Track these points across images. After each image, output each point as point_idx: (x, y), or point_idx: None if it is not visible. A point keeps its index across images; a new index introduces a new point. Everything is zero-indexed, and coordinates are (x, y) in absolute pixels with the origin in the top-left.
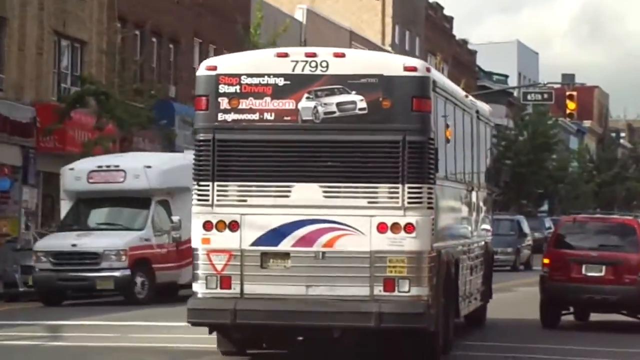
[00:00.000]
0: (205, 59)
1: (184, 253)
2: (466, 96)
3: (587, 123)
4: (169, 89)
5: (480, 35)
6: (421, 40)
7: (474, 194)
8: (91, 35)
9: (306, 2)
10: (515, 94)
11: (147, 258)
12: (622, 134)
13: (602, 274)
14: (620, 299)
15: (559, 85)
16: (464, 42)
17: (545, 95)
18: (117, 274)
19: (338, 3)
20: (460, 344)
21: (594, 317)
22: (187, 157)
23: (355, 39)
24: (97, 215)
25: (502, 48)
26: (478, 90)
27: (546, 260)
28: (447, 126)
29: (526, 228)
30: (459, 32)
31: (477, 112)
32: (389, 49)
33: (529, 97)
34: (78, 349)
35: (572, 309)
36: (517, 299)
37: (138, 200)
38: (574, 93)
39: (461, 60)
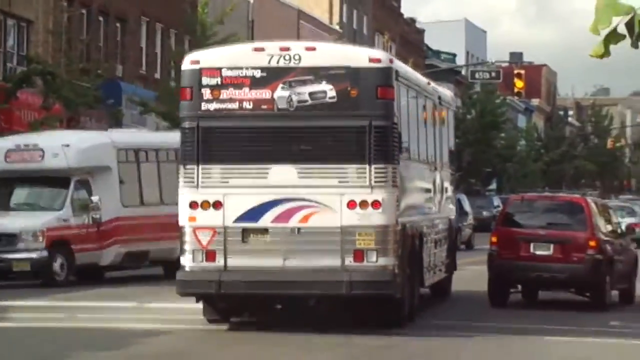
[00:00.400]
0: (152, 38)
1: (104, 234)
2: (428, 83)
3: (535, 101)
4: (116, 68)
5: (428, 13)
6: (369, 19)
7: (437, 173)
8: (37, 14)
9: None
10: (463, 72)
11: (65, 239)
12: (570, 112)
13: (550, 252)
14: (568, 277)
15: (506, 64)
16: (412, 21)
17: (493, 74)
18: (34, 255)
19: None
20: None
21: (543, 295)
22: (110, 136)
23: (303, 18)
24: (16, 196)
25: (450, 26)
26: (426, 69)
27: (494, 239)
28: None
29: (467, 207)
30: (407, 10)
31: (440, 97)
32: (337, 27)
33: (476, 75)
34: (27, 330)
35: (520, 287)
36: (467, 276)
37: (57, 179)
38: (522, 71)
39: (409, 39)
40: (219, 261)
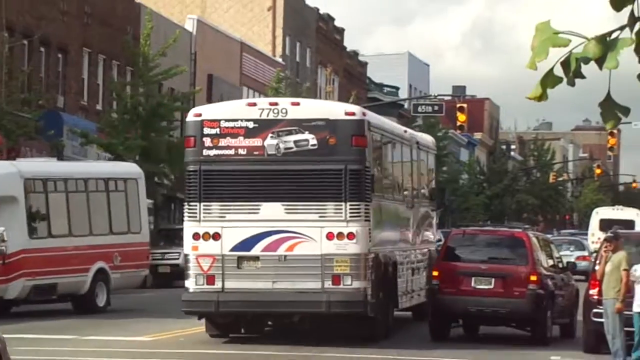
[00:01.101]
0: (94, 69)
1: (10, 266)
2: (405, 131)
3: (477, 135)
4: (57, 99)
5: (371, 47)
6: (312, 52)
7: (414, 210)
8: None
9: (196, 13)
10: (406, 106)
11: None
12: (513, 146)
13: (492, 286)
14: (509, 312)
15: (449, 98)
16: (355, 54)
17: (436, 107)
18: None
19: (228, 13)
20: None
21: (484, 329)
22: (17, 166)
23: (246, 50)
24: None
25: (393, 60)
26: (369, 102)
27: (435, 273)
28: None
29: None
30: (350, 43)
31: (417, 143)
32: (280, 60)
33: (419, 109)
34: None
35: (461, 322)
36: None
37: None
38: (464, 105)
39: (352, 72)
40: (218, 284)
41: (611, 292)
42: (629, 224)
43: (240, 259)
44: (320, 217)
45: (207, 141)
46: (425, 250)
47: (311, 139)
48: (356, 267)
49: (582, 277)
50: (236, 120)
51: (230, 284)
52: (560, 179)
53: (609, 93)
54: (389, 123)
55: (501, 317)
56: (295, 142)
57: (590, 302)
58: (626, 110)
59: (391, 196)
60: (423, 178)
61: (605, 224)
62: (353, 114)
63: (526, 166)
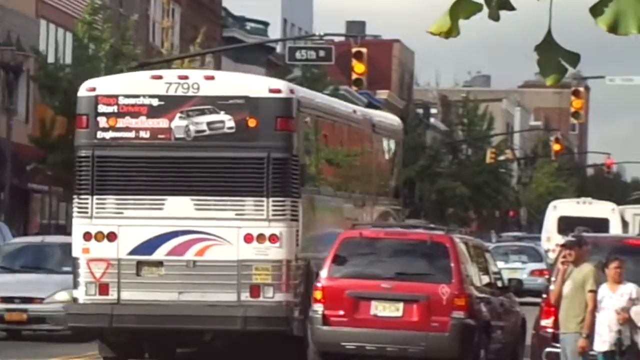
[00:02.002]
0: None
1: None
2: (354, 111)
3: (382, 94)
4: None
5: None
6: None
7: (366, 208)
8: None
9: None
10: (278, 49)
11: None
12: (434, 110)
13: (400, 314)
14: (425, 351)
15: (341, 39)
16: None
17: (322, 53)
18: None
19: None
20: None
21: None
22: None
23: None
24: None
25: None
26: (225, 44)
27: (317, 294)
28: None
29: None
30: None
31: (374, 125)
32: None
33: (298, 54)
34: None
35: None
36: None
37: None
38: (363, 50)
39: (201, 2)
40: (112, 294)
41: (572, 324)
42: (601, 223)
43: (140, 265)
44: (238, 215)
45: (102, 121)
46: None
47: (227, 121)
48: (279, 276)
49: (538, 300)
50: (137, 96)
51: (127, 295)
52: (502, 158)
53: (549, 33)
54: (329, 101)
55: (413, 359)
56: (208, 124)
57: (542, 337)
58: (573, 58)
59: (330, 191)
60: (381, 169)
61: (566, 224)
62: (278, 91)
63: (452, 139)
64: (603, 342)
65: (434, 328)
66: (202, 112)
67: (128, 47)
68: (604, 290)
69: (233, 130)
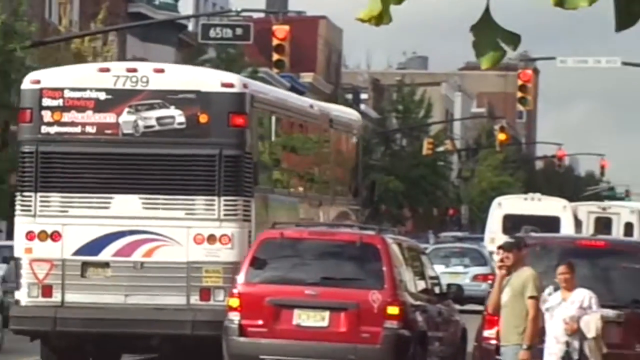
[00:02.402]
0: None
1: None
2: (311, 106)
3: (307, 77)
4: None
5: None
6: None
7: (323, 208)
8: None
9: None
10: (190, 27)
11: None
12: (364, 96)
13: (326, 324)
14: None
15: (261, 15)
16: None
17: (239, 31)
18: None
19: None
20: None
21: None
22: None
23: None
24: None
25: None
26: (130, 21)
27: (234, 302)
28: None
29: None
30: None
31: (331, 120)
32: None
33: (212, 33)
34: None
35: None
36: None
37: None
38: (286, 28)
39: None
40: (56, 297)
41: (512, 335)
42: (551, 222)
43: (85, 266)
44: (188, 214)
45: (47, 115)
46: None
47: (178, 116)
48: (231, 279)
49: (481, 308)
50: (84, 89)
51: (72, 297)
52: (441, 149)
53: (487, 11)
54: (285, 96)
55: None
56: (157, 119)
57: (484, 349)
58: (513, 39)
59: (286, 191)
60: (340, 167)
61: (513, 223)
62: (231, 85)
63: (385, 128)
64: (550, 354)
65: (364, 339)
66: (152, 107)
67: (21, 24)
68: (557, 297)
69: (183, 126)
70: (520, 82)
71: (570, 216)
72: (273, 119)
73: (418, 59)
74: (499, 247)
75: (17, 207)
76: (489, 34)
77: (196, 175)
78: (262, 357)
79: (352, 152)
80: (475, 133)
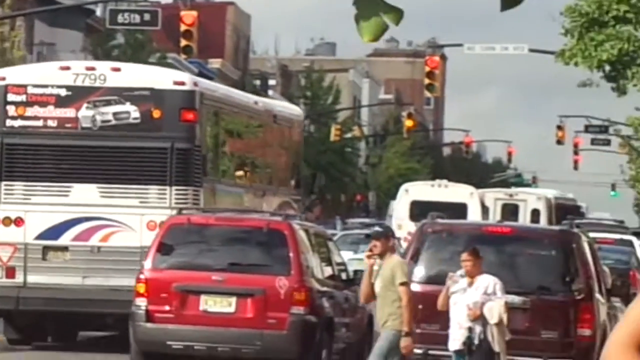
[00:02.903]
0: None
1: None
2: (256, 102)
3: (215, 62)
4: None
5: None
6: None
7: (266, 198)
8: None
9: None
10: (98, 12)
11: None
12: (272, 82)
13: (233, 310)
14: (261, 352)
15: (169, 0)
16: None
17: (147, 16)
18: None
19: None
20: None
21: None
22: None
23: None
24: None
25: None
26: (38, 6)
27: (140, 288)
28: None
29: None
30: None
31: (275, 116)
32: None
33: (120, 18)
34: None
35: None
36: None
37: None
38: (193, 13)
39: None
40: (19, 278)
41: (389, 322)
42: (458, 209)
43: (46, 249)
44: (141, 202)
45: (11, 110)
46: None
47: (133, 111)
48: None
49: None
50: (46, 86)
51: (33, 278)
52: (349, 135)
53: None
54: (232, 93)
55: None
56: (114, 114)
57: None
58: (396, 14)
59: (232, 181)
60: (282, 160)
61: (420, 210)
62: (182, 83)
63: None
64: (454, 340)
65: (270, 325)
66: (109, 103)
67: None
68: (462, 283)
69: (138, 121)
70: (427, 69)
71: (477, 203)
72: (220, 114)
73: (326, 45)
74: (366, 236)
75: None
76: (370, 7)
77: (150, 167)
78: (169, 342)
79: (294, 145)
80: (383, 119)
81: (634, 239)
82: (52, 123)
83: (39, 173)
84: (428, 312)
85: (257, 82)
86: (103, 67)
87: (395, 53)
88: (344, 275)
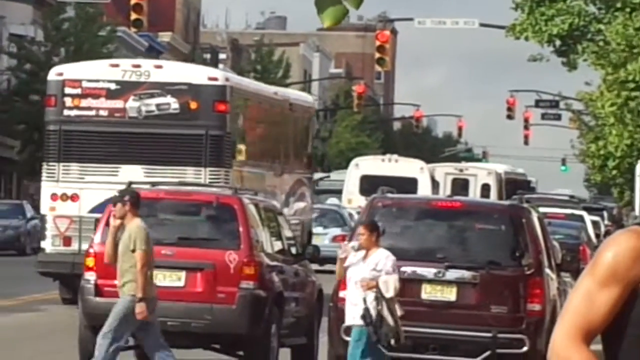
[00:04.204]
0: None
1: None
2: (275, 93)
3: (165, 36)
4: None
5: None
6: None
7: (283, 177)
8: None
9: None
10: None
11: None
12: (222, 56)
13: (182, 284)
14: (210, 326)
15: None
16: None
17: None
18: None
19: None
20: None
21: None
22: None
23: None
24: None
25: None
26: None
27: (89, 262)
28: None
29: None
30: None
31: (291, 104)
32: None
33: None
34: None
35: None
36: (49, 326)
37: None
38: None
39: None
40: (74, 246)
41: (126, 286)
42: (409, 183)
43: (97, 221)
44: (180, 181)
45: (68, 101)
46: (297, 221)
47: (173, 103)
48: None
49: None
50: (98, 80)
51: (86, 246)
52: None
53: None
54: (256, 86)
55: (196, 335)
56: (157, 105)
57: (340, 310)
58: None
59: (255, 162)
60: (297, 143)
61: (370, 184)
62: (216, 79)
63: None
64: (350, 316)
65: (220, 300)
66: (152, 96)
67: None
68: (358, 256)
69: (177, 111)
70: (378, 43)
71: (427, 177)
72: (247, 105)
73: (276, 19)
74: (109, 201)
75: (44, 175)
76: None
77: (187, 150)
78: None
79: (306, 129)
80: (333, 94)
81: (584, 213)
82: (103, 113)
83: (91, 155)
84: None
85: (207, 56)
86: (147, 64)
87: (346, 27)
88: (293, 250)
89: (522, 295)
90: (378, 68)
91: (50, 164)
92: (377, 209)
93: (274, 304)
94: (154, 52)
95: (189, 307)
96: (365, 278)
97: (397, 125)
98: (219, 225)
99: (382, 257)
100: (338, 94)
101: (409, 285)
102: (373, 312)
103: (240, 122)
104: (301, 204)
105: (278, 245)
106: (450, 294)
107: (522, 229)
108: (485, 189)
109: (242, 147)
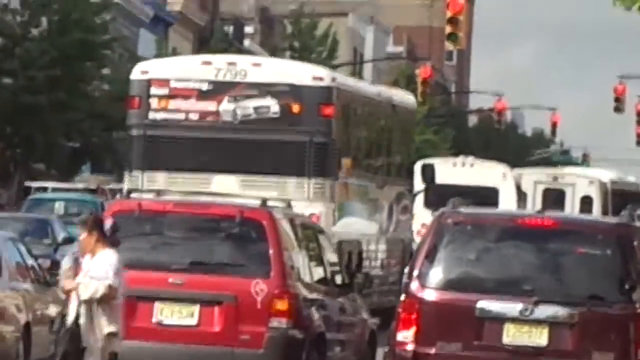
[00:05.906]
0: None
1: None
2: (379, 94)
3: (176, 4)
4: None
5: None
6: None
7: (385, 188)
8: None
9: None
10: None
11: None
12: (249, 29)
13: (195, 321)
14: None
15: None
16: None
17: None
18: None
19: None
20: None
21: None
22: None
23: None
24: None
25: None
26: None
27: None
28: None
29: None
30: None
31: (394, 106)
32: None
33: None
34: None
35: None
36: None
37: None
38: None
39: None
40: None
41: None
42: (488, 194)
43: None
44: (280, 194)
45: (154, 103)
46: (398, 239)
47: (273, 106)
48: None
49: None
50: (188, 80)
51: None
52: None
53: None
54: (360, 85)
55: None
56: (254, 108)
57: (398, 356)
58: None
59: (360, 173)
60: (398, 150)
61: (438, 195)
62: (321, 79)
63: None
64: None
65: (243, 342)
66: (249, 97)
67: None
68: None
69: (277, 115)
70: (449, 14)
71: (511, 187)
72: (352, 108)
73: None
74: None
75: (125, 185)
76: None
77: (288, 159)
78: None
79: (409, 134)
80: (392, 78)
81: None
82: (193, 116)
83: (180, 164)
84: (446, 327)
85: (229, 29)
86: (244, 62)
87: None
88: (338, 279)
89: (632, 340)
90: (449, 46)
91: (134, 173)
92: (446, 227)
93: (312, 348)
94: (161, 23)
95: (203, 351)
96: (74, 283)
97: (473, 120)
98: (243, 246)
99: (103, 262)
100: (397, 79)
101: (487, 327)
102: (69, 320)
103: (345, 128)
104: (402, 220)
105: (319, 273)
106: (540, 338)
107: (633, 254)
108: (586, 202)
109: (347, 156)
